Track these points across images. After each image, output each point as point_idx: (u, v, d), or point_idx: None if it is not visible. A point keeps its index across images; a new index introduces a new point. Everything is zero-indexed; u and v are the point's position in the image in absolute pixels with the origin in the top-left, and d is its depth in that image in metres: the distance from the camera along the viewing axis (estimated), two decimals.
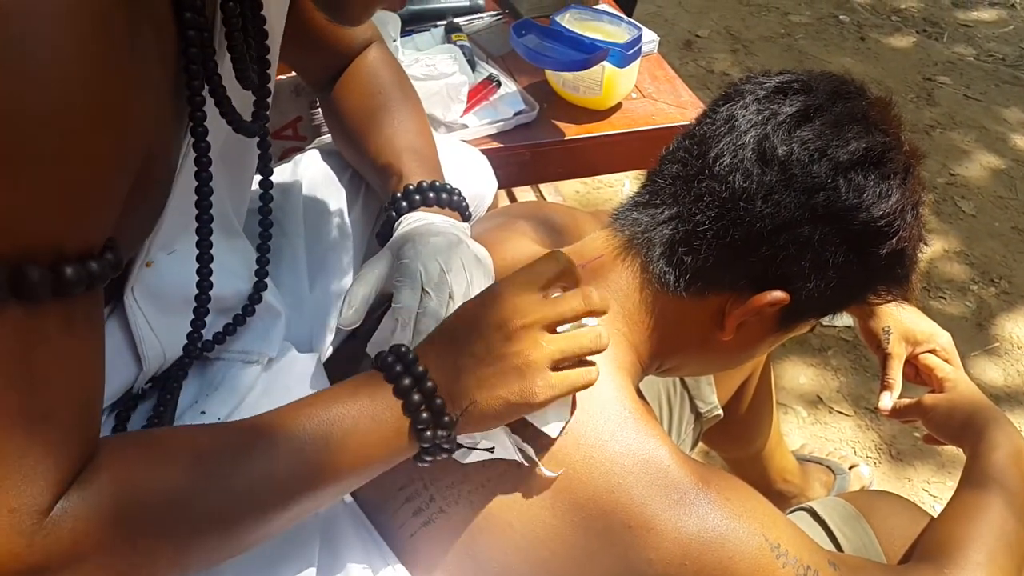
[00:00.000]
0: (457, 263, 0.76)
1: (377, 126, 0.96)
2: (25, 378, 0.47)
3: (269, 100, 0.74)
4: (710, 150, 0.71)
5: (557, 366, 0.64)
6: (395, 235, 0.84)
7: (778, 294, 0.69)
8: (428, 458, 0.65)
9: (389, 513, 0.74)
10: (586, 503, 0.66)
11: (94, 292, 0.51)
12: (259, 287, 0.82)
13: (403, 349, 0.64)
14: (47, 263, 0.46)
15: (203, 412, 0.78)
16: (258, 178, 0.82)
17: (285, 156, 1.39)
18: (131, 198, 0.54)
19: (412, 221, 0.85)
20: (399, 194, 0.88)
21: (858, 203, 0.67)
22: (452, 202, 0.89)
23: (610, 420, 0.68)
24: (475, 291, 0.74)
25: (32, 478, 0.47)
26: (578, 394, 0.68)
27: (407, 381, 0.62)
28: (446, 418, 0.62)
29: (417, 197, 0.87)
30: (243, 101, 0.71)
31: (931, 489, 1.66)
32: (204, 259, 0.70)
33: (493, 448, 0.67)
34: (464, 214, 0.90)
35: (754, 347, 0.78)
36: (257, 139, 0.76)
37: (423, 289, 0.74)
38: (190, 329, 0.75)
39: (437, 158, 0.96)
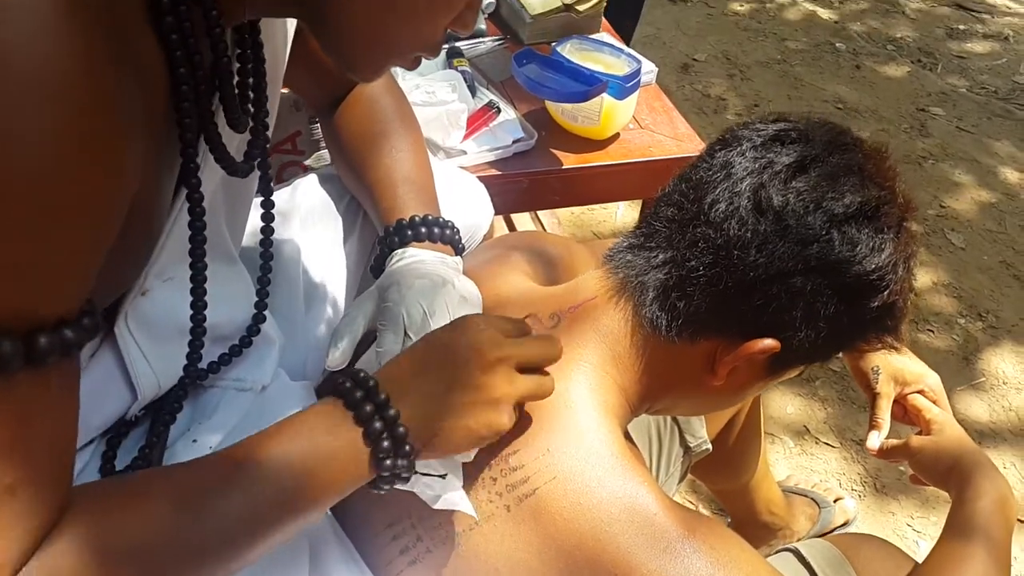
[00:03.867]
0: (441, 306, 0.76)
1: (376, 154, 0.96)
2: None
3: (268, 134, 0.74)
4: (706, 195, 0.71)
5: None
6: (384, 272, 0.84)
7: (769, 342, 0.70)
8: (385, 486, 0.64)
9: (376, 549, 0.74)
10: (572, 550, 0.66)
11: (70, 358, 0.50)
12: (258, 319, 0.82)
13: (361, 375, 0.64)
14: (21, 334, 0.45)
15: (195, 440, 0.78)
16: (258, 201, 0.83)
17: (283, 169, 1.40)
18: (123, 241, 0.54)
19: (402, 258, 0.85)
20: (391, 228, 0.88)
21: (851, 256, 0.68)
22: (444, 236, 0.89)
23: (597, 466, 0.68)
24: None
25: (3, 537, 0.46)
26: (566, 440, 0.69)
27: (368, 408, 0.62)
28: (407, 447, 0.62)
29: (409, 232, 0.87)
30: (240, 139, 0.71)
31: (915, 524, 1.67)
32: (199, 293, 0.70)
33: (445, 474, 0.67)
34: (457, 248, 0.90)
35: (744, 391, 0.78)
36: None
37: (406, 333, 0.75)
38: (185, 359, 0.75)
39: (433, 189, 0.96)
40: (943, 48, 3.37)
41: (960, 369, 1.98)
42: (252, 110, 0.70)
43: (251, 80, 0.69)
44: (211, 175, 0.71)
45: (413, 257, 0.85)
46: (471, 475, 0.70)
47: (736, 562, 0.67)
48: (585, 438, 0.69)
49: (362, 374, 0.64)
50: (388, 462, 0.62)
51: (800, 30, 3.40)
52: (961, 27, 3.55)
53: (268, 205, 0.80)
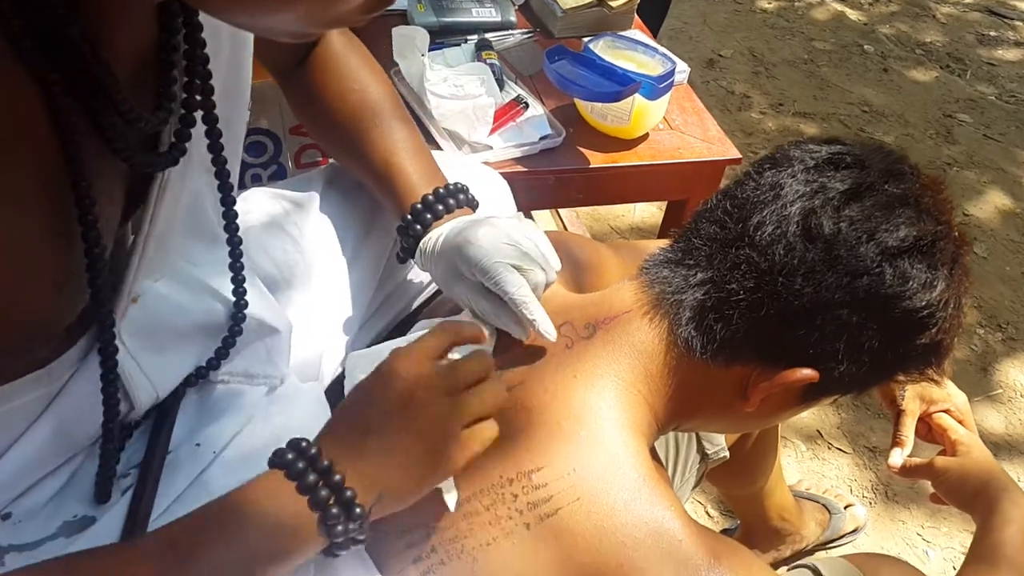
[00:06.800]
0: (538, 235, 0.78)
1: (362, 129, 0.92)
2: None
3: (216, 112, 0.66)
4: (751, 216, 0.69)
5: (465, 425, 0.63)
6: (435, 252, 0.82)
7: (808, 372, 0.68)
8: (340, 552, 0.62)
9: (388, 555, 0.72)
10: (594, 573, 0.64)
11: None
12: (240, 306, 0.77)
13: (303, 443, 0.61)
14: None
15: (198, 444, 0.75)
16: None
17: (301, 152, 1.38)
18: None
19: (438, 237, 0.83)
20: (409, 216, 0.86)
21: (902, 291, 0.65)
22: (461, 201, 0.87)
23: (624, 488, 0.66)
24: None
25: None
26: (593, 459, 0.67)
27: (312, 477, 0.59)
28: (357, 509, 0.60)
29: (428, 215, 0.85)
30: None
31: (925, 534, 1.65)
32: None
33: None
34: (474, 208, 0.89)
35: (775, 416, 0.77)
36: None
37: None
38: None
39: (427, 152, 0.92)
40: (973, 54, 3.31)
41: (977, 380, 1.96)
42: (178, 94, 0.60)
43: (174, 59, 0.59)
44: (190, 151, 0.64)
45: (452, 227, 0.82)
46: (489, 485, 0.68)
47: None
48: (612, 459, 0.67)
49: (303, 442, 0.61)
50: (339, 528, 0.60)
51: (828, 30, 3.35)
52: (992, 33, 3.49)
53: (224, 175, 0.71)
